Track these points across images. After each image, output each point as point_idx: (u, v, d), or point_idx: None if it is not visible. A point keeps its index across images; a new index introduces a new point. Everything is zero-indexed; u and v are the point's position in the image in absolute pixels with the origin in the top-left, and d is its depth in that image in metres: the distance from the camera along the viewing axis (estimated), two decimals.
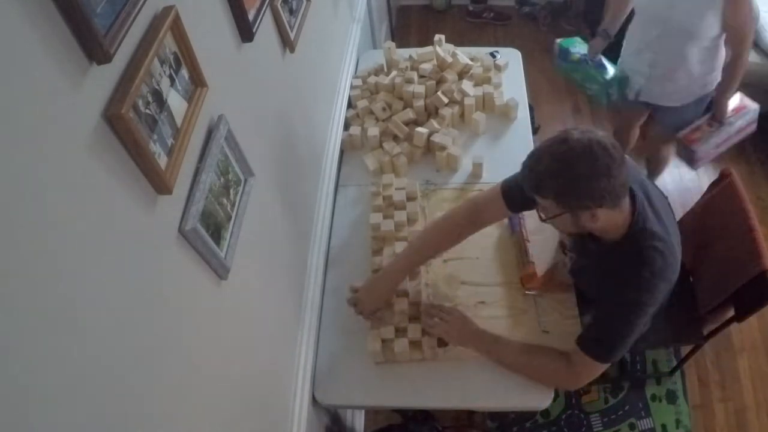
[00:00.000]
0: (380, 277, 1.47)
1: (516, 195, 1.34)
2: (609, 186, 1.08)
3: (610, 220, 1.17)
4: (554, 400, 1.43)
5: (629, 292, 1.21)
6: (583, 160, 1.07)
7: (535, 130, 2.11)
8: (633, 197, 1.20)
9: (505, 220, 1.62)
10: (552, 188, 1.12)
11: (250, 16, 1.03)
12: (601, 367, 1.27)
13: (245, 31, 1.03)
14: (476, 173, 1.79)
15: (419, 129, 1.82)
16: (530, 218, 1.60)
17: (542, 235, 1.59)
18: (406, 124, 1.86)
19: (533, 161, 1.13)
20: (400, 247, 1.54)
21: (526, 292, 1.51)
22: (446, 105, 1.91)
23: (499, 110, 1.95)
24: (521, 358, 1.37)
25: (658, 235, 1.20)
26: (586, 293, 1.48)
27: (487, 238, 1.63)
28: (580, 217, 1.15)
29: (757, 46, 2.74)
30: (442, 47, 2.02)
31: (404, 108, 1.92)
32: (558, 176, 1.09)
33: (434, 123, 1.86)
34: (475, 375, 1.39)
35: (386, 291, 1.46)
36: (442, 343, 1.43)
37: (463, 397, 1.38)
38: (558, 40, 2.11)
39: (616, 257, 1.24)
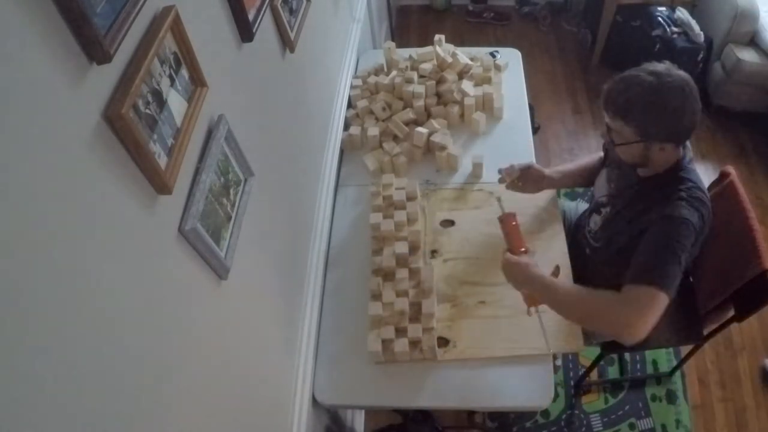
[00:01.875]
0: (545, 170, 1.57)
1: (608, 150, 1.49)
2: (689, 124, 1.17)
3: (670, 157, 1.26)
4: (554, 400, 1.43)
5: (671, 209, 1.23)
6: (675, 96, 1.15)
7: (535, 130, 2.11)
8: None
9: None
10: (639, 117, 1.19)
11: (250, 16, 1.03)
12: (662, 297, 1.15)
13: (245, 31, 1.03)
14: (476, 173, 1.79)
15: (419, 129, 1.82)
16: (530, 243, 1.54)
17: (545, 255, 1.56)
18: (406, 124, 1.86)
19: (623, 85, 1.19)
20: (400, 247, 1.55)
21: (530, 312, 1.39)
22: (445, 107, 1.91)
23: (498, 111, 1.95)
24: (573, 304, 1.26)
25: (695, 176, 1.29)
26: (611, 256, 1.43)
27: (488, 237, 1.63)
28: (651, 148, 1.22)
29: (757, 46, 2.75)
30: (442, 47, 2.02)
31: (404, 108, 1.92)
32: (647, 104, 1.16)
33: (434, 123, 1.86)
34: (475, 375, 1.39)
35: (543, 182, 1.57)
36: (442, 343, 1.43)
37: (463, 397, 1.38)
38: None
39: (654, 189, 1.30)
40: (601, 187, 1.55)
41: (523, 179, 1.57)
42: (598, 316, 1.23)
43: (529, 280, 1.31)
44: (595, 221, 1.55)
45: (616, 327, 1.19)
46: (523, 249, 1.37)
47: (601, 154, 1.63)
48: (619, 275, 1.26)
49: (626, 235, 1.36)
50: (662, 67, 1.18)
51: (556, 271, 1.52)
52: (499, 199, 1.45)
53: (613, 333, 1.22)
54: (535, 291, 1.31)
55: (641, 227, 1.28)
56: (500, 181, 1.58)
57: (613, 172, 1.48)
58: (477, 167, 1.78)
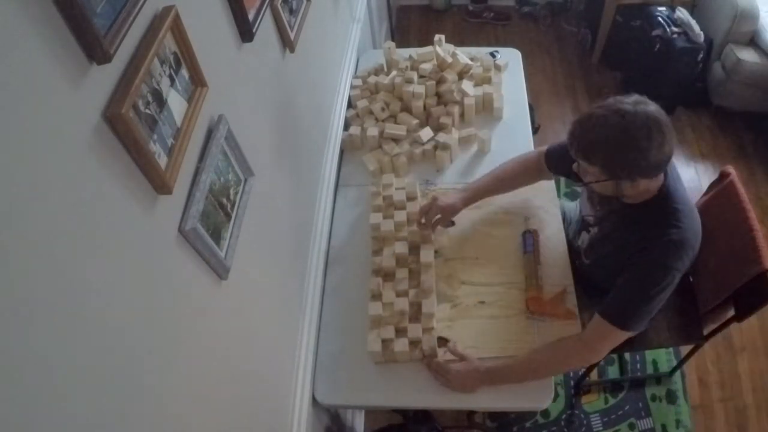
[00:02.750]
0: (458, 195, 1.54)
1: (556, 160, 1.50)
2: (657, 159, 1.14)
3: (647, 186, 1.23)
4: (554, 400, 1.43)
5: (655, 253, 1.22)
6: (637, 136, 1.12)
7: (535, 130, 2.11)
8: None
9: (519, 237, 1.60)
10: (602, 158, 1.17)
11: (250, 16, 1.03)
12: (622, 336, 1.25)
13: (245, 31, 1.03)
14: (482, 149, 1.84)
15: (421, 131, 1.83)
16: (544, 242, 1.58)
17: (553, 258, 1.57)
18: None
19: (586, 126, 1.17)
20: (400, 247, 1.55)
21: (530, 316, 1.45)
22: (445, 107, 1.91)
23: (498, 111, 1.95)
24: (530, 368, 1.33)
25: (684, 200, 1.26)
26: (602, 274, 1.44)
27: (488, 238, 1.63)
28: (621, 185, 1.20)
29: (757, 46, 2.75)
30: (442, 47, 2.02)
31: (402, 109, 1.92)
32: (611, 148, 1.14)
33: (438, 120, 1.87)
34: None
35: (460, 205, 1.53)
36: (442, 343, 1.43)
37: (463, 397, 1.38)
38: None
39: (641, 217, 1.28)
40: (584, 205, 1.53)
41: (436, 215, 1.53)
42: (559, 365, 1.37)
43: (479, 379, 1.33)
44: (583, 239, 1.54)
45: (577, 364, 1.44)
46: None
47: (532, 155, 1.59)
48: (608, 288, 1.32)
49: (614, 260, 1.34)
50: (629, 102, 1.14)
51: (562, 295, 1.49)
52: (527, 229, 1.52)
53: (573, 368, 1.45)
54: (490, 383, 1.34)
55: (631, 255, 1.27)
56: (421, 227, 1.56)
57: (594, 193, 1.44)
58: (484, 144, 1.82)
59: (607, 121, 1.13)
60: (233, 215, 0.96)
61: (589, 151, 1.18)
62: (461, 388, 1.35)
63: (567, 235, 1.65)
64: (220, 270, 0.90)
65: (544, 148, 1.55)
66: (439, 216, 1.53)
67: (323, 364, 1.44)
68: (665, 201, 1.25)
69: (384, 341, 1.39)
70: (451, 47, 2.04)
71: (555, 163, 1.52)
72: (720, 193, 1.65)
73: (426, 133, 1.84)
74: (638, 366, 2.17)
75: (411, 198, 1.69)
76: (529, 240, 1.57)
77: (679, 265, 1.23)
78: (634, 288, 1.25)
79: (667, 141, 1.13)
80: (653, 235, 1.24)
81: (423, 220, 1.55)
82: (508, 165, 1.60)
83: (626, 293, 1.26)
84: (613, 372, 2.16)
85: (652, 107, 1.15)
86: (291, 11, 1.32)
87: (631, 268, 1.26)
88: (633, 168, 1.16)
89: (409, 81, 1.91)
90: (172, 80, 0.76)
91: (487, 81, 2.01)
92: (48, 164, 0.53)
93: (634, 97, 1.17)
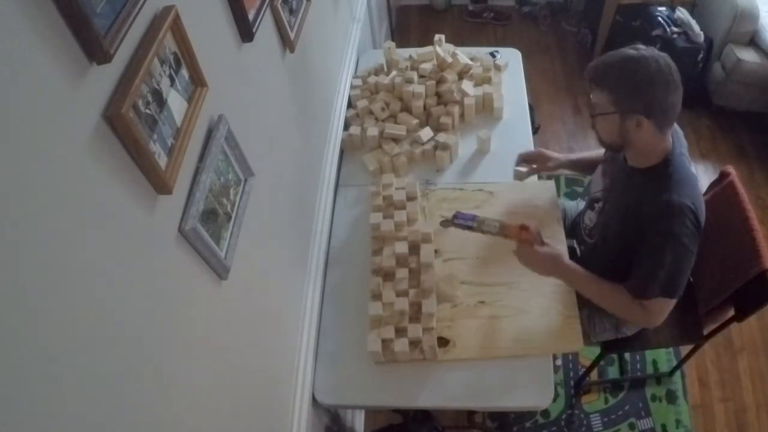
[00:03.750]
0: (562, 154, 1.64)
1: None
2: (664, 99, 1.18)
3: (650, 140, 1.25)
4: (554, 400, 1.43)
5: (659, 225, 1.24)
6: (648, 66, 1.17)
7: (535, 130, 2.11)
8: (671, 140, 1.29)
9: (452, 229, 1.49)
10: (611, 81, 1.22)
11: (250, 16, 1.03)
12: (672, 303, 1.31)
13: (245, 31, 1.03)
14: (483, 149, 1.85)
15: (421, 131, 1.83)
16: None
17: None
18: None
19: (604, 56, 1.25)
20: (400, 247, 1.54)
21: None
22: (445, 107, 1.91)
23: (498, 111, 1.95)
24: (600, 294, 1.38)
25: (685, 171, 1.27)
26: (604, 248, 1.47)
27: (488, 238, 1.62)
28: (626, 122, 1.22)
29: (757, 46, 2.75)
30: (442, 47, 2.02)
31: (402, 109, 1.92)
32: (621, 71, 1.20)
33: (438, 120, 1.87)
34: (475, 375, 1.39)
35: (561, 161, 1.65)
36: (442, 343, 1.43)
37: (463, 397, 1.38)
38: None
39: (643, 182, 1.30)
40: (597, 182, 1.55)
41: (533, 161, 1.65)
42: (620, 310, 1.39)
43: (548, 264, 1.38)
44: (590, 217, 1.56)
45: (634, 322, 1.46)
46: (524, 229, 1.39)
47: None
48: (612, 268, 1.36)
49: (618, 221, 1.37)
50: (647, 47, 1.21)
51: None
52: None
53: (632, 323, 1.48)
54: (558, 275, 1.40)
55: (635, 220, 1.29)
56: (517, 177, 1.66)
57: (608, 166, 1.49)
58: (484, 143, 1.83)
59: (623, 52, 1.21)
60: (233, 215, 0.96)
61: (602, 76, 1.24)
62: (533, 264, 1.38)
63: (567, 232, 1.65)
64: (220, 270, 0.90)
65: None
66: (532, 166, 1.65)
67: (323, 365, 1.44)
68: (667, 169, 1.27)
69: (384, 341, 1.39)
70: (451, 47, 2.04)
71: None
72: (720, 193, 1.65)
73: (426, 132, 1.84)
74: (638, 366, 2.17)
75: (411, 198, 1.69)
76: (464, 217, 1.44)
77: (682, 230, 1.23)
78: (651, 262, 1.27)
79: (676, 87, 1.18)
80: (651, 199, 1.26)
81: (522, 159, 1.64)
82: (593, 153, 1.68)
83: (645, 268, 1.29)
84: (613, 372, 2.16)
85: (668, 58, 1.20)
86: (291, 11, 1.32)
87: (647, 246, 1.28)
88: (638, 99, 1.19)
89: (409, 81, 1.91)
90: (172, 80, 0.76)
91: (487, 81, 2.01)
92: (48, 164, 0.53)
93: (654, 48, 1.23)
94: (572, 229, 1.74)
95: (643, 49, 1.20)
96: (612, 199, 1.45)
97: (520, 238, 1.38)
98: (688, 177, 1.28)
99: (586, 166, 1.69)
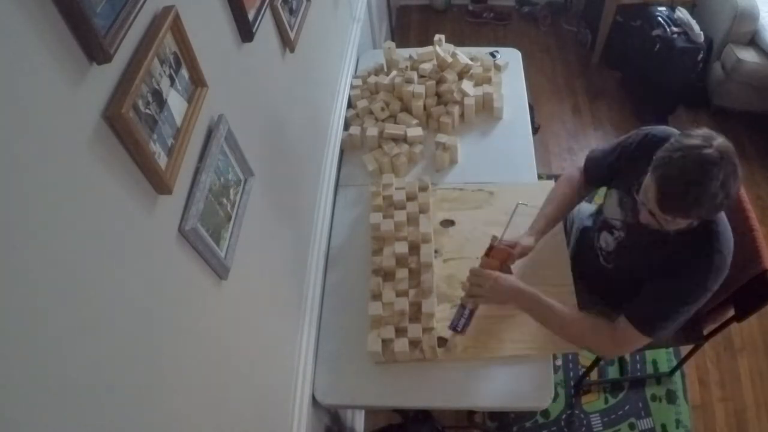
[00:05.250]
0: (527, 233, 1.48)
1: (595, 172, 1.48)
2: (726, 204, 1.07)
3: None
4: (554, 400, 1.43)
5: (697, 277, 1.20)
6: (727, 183, 1.03)
7: (535, 130, 2.11)
8: None
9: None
10: (692, 215, 1.10)
11: (250, 16, 1.03)
12: (645, 341, 1.27)
13: (245, 31, 1.03)
14: (452, 159, 1.83)
15: (408, 129, 1.83)
16: (544, 243, 1.53)
17: (553, 259, 1.55)
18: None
19: (677, 186, 1.05)
20: (400, 247, 1.54)
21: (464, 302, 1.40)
22: (445, 106, 1.92)
23: (498, 111, 1.95)
24: (560, 323, 1.34)
25: (722, 219, 1.21)
26: (623, 280, 1.40)
27: (488, 238, 1.62)
28: (681, 223, 1.14)
29: (757, 46, 2.75)
30: (442, 47, 2.02)
31: (402, 109, 1.92)
32: (710, 202, 1.05)
33: (438, 120, 1.87)
34: (475, 375, 1.39)
35: (533, 244, 1.47)
36: (442, 343, 1.43)
37: (463, 397, 1.38)
38: None
39: (681, 239, 1.20)
40: (613, 208, 1.45)
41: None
42: (582, 342, 1.37)
43: (514, 291, 1.36)
44: (606, 241, 1.48)
45: (596, 351, 1.40)
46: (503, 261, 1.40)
47: (575, 173, 1.55)
48: (623, 292, 1.31)
49: (641, 271, 1.30)
50: (714, 148, 1.03)
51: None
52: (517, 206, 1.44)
53: (589, 350, 1.37)
54: (523, 305, 1.37)
55: (661, 268, 1.24)
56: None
57: (627, 199, 1.38)
58: (450, 152, 1.82)
59: (695, 178, 1.03)
60: (233, 215, 0.96)
61: (683, 212, 1.10)
62: (492, 295, 1.37)
63: (569, 236, 1.64)
64: (220, 270, 0.90)
65: (580, 165, 1.54)
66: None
67: (323, 365, 1.44)
68: (710, 225, 1.19)
69: (384, 341, 1.39)
70: (451, 47, 2.04)
71: (595, 178, 1.52)
72: None
73: (414, 131, 1.84)
74: (638, 366, 2.17)
75: (411, 198, 1.69)
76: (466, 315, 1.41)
77: (715, 286, 1.21)
78: (669, 302, 1.23)
79: (738, 180, 1.06)
80: (691, 258, 1.20)
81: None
82: (559, 190, 1.55)
83: (659, 304, 1.24)
84: (613, 372, 2.16)
85: (722, 140, 1.06)
86: (291, 11, 1.32)
87: (667, 280, 1.23)
88: (717, 208, 1.10)
89: (409, 81, 1.91)
90: (172, 80, 0.76)
91: (487, 81, 2.01)
92: (48, 164, 0.53)
93: (703, 132, 1.07)
94: (581, 235, 1.69)
95: (713, 157, 1.01)
96: (636, 244, 1.37)
97: (501, 268, 1.40)
98: (727, 229, 1.22)
99: (559, 217, 1.56)
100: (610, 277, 1.52)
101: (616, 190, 1.44)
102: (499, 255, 1.42)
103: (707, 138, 1.05)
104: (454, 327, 1.40)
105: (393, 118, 1.93)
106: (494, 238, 1.44)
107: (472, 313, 1.40)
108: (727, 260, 1.20)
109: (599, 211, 1.57)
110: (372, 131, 1.84)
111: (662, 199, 1.08)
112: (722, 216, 1.22)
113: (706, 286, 1.20)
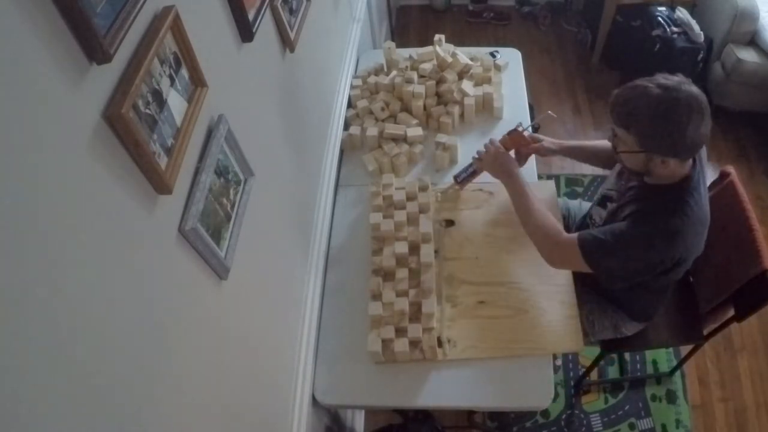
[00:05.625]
0: (553, 141, 1.64)
1: None
2: (692, 139, 1.15)
3: (674, 170, 1.24)
4: (554, 400, 1.43)
5: (650, 225, 1.23)
6: (680, 113, 1.13)
7: (535, 130, 2.11)
8: (694, 160, 1.26)
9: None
10: (641, 129, 1.18)
11: (250, 16, 1.03)
12: (580, 263, 1.29)
13: (245, 31, 1.03)
14: (451, 158, 1.85)
15: (408, 129, 1.83)
16: (520, 243, 1.59)
17: (532, 254, 1.53)
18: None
19: (629, 95, 1.17)
20: (400, 247, 1.54)
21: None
22: (445, 106, 1.91)
23: (498, 110, 1.95)
24: (525, 219, 1.43)
25: (699, 197, 1.25)
26: None
27: (487, 238, 1.63)
28: (653, 160, 1.21)
29: (757, 46, 2.75)
30: (442, 47, 2.02)
31: (402, 109, 1.92)
32: (652, 120, 1.15)
33: (438, 120, 1.86)
34: (475, 375, 1.39)
35: (553, 150, 1.65)
36: (442, 343, 1.43)
37: (463, 397, 1.38)
38: None
39: (655, 199, 1.27)
40: (612, 180, 1.53)
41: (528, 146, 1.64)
42: (534, 236, 1.42)
43: (507, 172, 1.48)
44: (600, 215, 1.54)
45: (539, 250, 1.40)
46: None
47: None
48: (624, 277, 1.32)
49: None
50: (674, 80, 1.15)
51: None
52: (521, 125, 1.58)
53: (536, 248, 1.41)
54: (509, 186, 1.48)
55: (631, 215, 1.29)
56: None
57: (625, 170, 1.46)
58: (450, 151, 1.84)
59: (650, 92, 1.15)
60: (233, 215, 0.96)
61: (629, 118, 1.19)
62: (490, 164, 1.52)
63: (569, 230, 1.64)
64: (220, 270, 0.90)
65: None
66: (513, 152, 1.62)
67: (323, 365, 1.44)
68: (681, 191, 1.25)
69: (384, 341, 1.39)
70: (451, 47, 2.04)
71: None
72: (720, 193, 1.65)
73: (414, 131, 1.84)
74: (638, 366, 2.17)
75: (411, 198, 1.69)
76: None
77: (663, 249, 1.23)
78: (616, 237, 1.26)
79: (705, 123, 1.16)
80: (655, 212, 1.25)
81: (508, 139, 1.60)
82: (598, 142, 1.66)
83: (607, 236, 1.27)
84: (613, 372, 2.16)
85: (695, 88, 1.15)
86: (291, 11, 1.32)
87: (625, 223, 1.27)
88: (668, 144, 1.17)
89: (409, 81, 1.91)
90: (172, 80, 0.76)
91: (487, 81, 2.01)
92: (48, 164, 0.53)
93: (680, 77, 1.18)
94: (581, 227, 1.72)
95: (673, 89, 1.14)
96: (622, 207, 1.41)
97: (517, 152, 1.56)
98: (701, 207, 1.26)
99: (585, 156, 1.68)
100: None
101: (617, 158, 1.49)
102: (517, 139, 1.57)
103: (681, 82, 1.15)
104: (455, 176, 1.65)
105: (393, 118, 1.93)
106: (519, 124, 1.58)
107: (474, 173, 1.62)
108: (682, 228, 1.22)
109: (586, 192, 1.67)
110: (372, 131, 1.84)
111: (610, 102, 1.21)
112: (700, 195, 1.27)
113: (654, 241, 1.22)
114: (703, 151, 1.34)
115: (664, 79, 1.16)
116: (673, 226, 1.22)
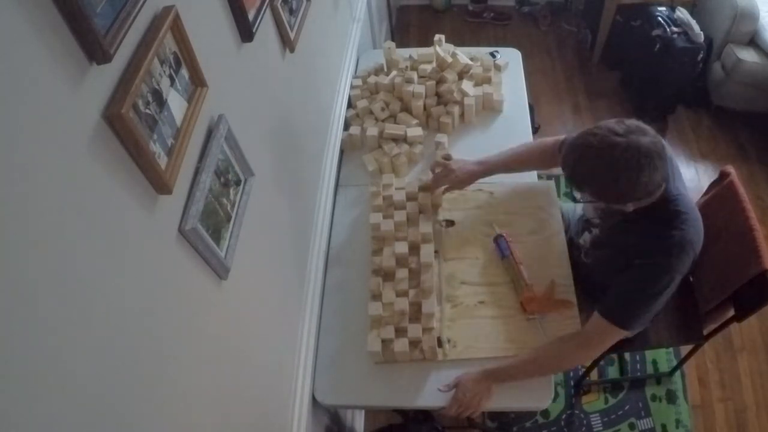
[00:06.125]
0: (475, 165, 1.57)
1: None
2: (647, 189, 1.15)
3: (640, 205, 1.24)
4: (554, 400, 1.43)
5: (658, 256, 1.23)
6: (627, 170, 1.11)
7: (535, 130, 2.11)
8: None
9: (491, 244, 1.60)
10: (592, 191, 1.20)
11: (250, 16, 1.03)
12: (620, 334, 1.26)
13: (245, 31, 1.03)
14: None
15: (408, 129, 1.83)
16: (520, 243, 1.58)
17: (553, 259, 1.57)
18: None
19: (577, 161, 1.18)
20: (400, 247, 1.54)
21: (528, 317, 1.45)
22: (445, 107, 1.92)
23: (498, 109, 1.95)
24: (535, 365, 1.35)
25: (686, 202, 1.26)
26: (604, 273, 1.42)
27: (488, 238, 1.63)
28: (613, 207, 1.24)
29: (757, 46, 2.75)
30: (442, 47, 2.01)
31: (402, 109, 1.92)
32: (599, 182, 1.17)
33: (438, 120, 1.86)
34: None
35: (476, 176, 1.57)
36: (442, 343, 1.43)
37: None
38: None
39: (642, 221, 1.28)
40: (589, 209, 1.53)
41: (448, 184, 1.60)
42: (559, 365, 1.38)
43: (486, 380, 1.34)
44: (585, 239, 1.54)
45: (575, 363, 1.38)
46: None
47: (549, 144, 1.54)
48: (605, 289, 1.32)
49: (614, 262, 1.34)
50: (622, 133, 1.12)
51: (552, 286, 1.50)
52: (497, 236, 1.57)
53: (571, 368, 1.41)
54: (497, 382, 1.35)
55: (630, 257, 1.27)
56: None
57: None
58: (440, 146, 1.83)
59: (597, 154, 1.13)
60: (233, 215, 0.96)
61: (580, 184, 1.22)
62: (476, 399, 1.33)
63: (568, 235, 1.64)
64: (220, 270, 0.90)
65: (562, 137, 1.54)
66: (445, 186, 1.60)
67: (323, 364, 1.44)
68: (667, 204, 1.25)
69: (384, 341, 1.39)
70: (451, 47, 2.04)
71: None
72: (720, 193, 1.65)
73: (414, 130, 1.84)
74: (638, 366, 2.17)
75: (411, 198, 1.69)
76: (503, 244, 1.57)
77: (680, 266, 1.23)
78: (635, 288, 1.25)
79: (658, 170, 1.13)
80: (654, 238, 1.24)
81: (432, 183, 1.62)
82: (526, 146, 1.62)
83: (627, 293, 1.26)
84: (613, 372, 2.16)
85: (646, 139, 1.12)
86: (291, 11, 1.32)
87: (633, 269, 1.26)
88: (622, 197, 1.19)
89: (409, 81, 1.91)
90: (172, 80, 0.76)
91: (487, 81, 2.01)
92: (48, 164, 0.53)
93: (629, 125, 1.14)
94: (569, 242, 1.72)
95: (619, 144, 1.10)
96: (608, 236, 1.42)
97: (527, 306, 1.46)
98: (690, 208, 1.26)
99: (518, 164, 1.60)
100: (588, 272, 1.55)
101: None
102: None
103: (629, 130, 1.12)
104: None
105: (393, 118, 1.93)
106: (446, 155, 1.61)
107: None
108: (689, 239, 1.23)
109: (583, 211, 1.64)
110: (372, 131, 1.84)
111: (562, 166, 1.22)
112: (685, 198, 1.27)
113: (671, 266, 1.22)
114: (672, 159, 1.30)
115: (611, 135, 1.12)
116: (679, 239, 1.22)
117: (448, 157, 1.61)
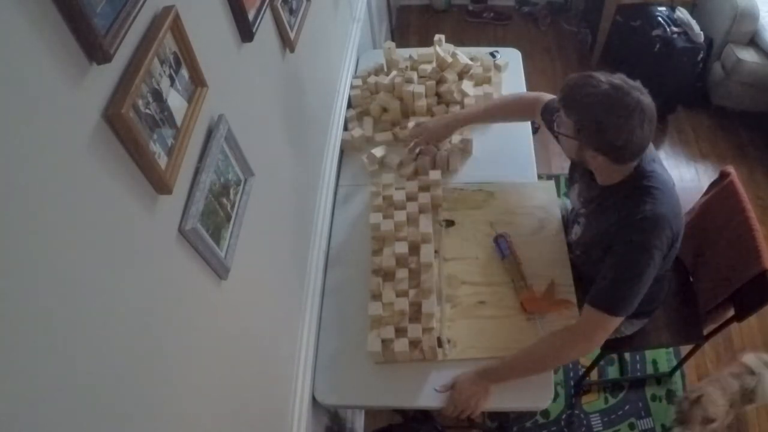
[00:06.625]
0: (449, 116, 1.66)
1: (550, 112, 1.46)
2: (625, 142, 1.16)
3: (608, 168, 1.26)
4: (554, 400, 1.43)
5: (633, 233, 1.23)
6: (618, 112, 1.14)
7: (535, 130, 2.11)
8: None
9: (492, 243, 1.60)
10: (580, 116, 1.21)
11: (250, 16, 1.03)
12: (614, 321, 1.25)
13: (245, 31, 1.03)
14: (466, 149, 1.84)
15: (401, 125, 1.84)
16: (520, 243, 1.59)
17: (553, 258, 1.57)
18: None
19: (579, 83, 1.20)
20: (400, 247, 1.55)
21: (528, 317, 1.45)
22: (446, 107, 1.91)
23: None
24: (530, 361, 1.34)
25: (659, 179, 1.26)
26: (589, 263, 1.44)
27: (488, 238, 1.63)
28: (584, 151, 1.24)
29: (757, 46, 2.75)
30: (442, 47, 2.02)
31: (402, 109, 1.92)
32: (590, 110, 1.17)
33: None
34: None
35: (450, 128, 1.67)
36: (442, 343, 1.43)
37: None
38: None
39: (616, 198, 1.29)
40: (575, 201, 1.54)
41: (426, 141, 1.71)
42: (556, 358, 1.35)
43: (482, 379, 1.34)
44: (576, 232, 1.54)
45: (573, 356, 1.34)
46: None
47: (537, 96, 1.60)
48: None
49: (598, 248, 1.34)
50: (629, 84, 1.16)
51: (552, 287, 1.50)
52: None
53: (569, 361, 1.40)
54: (493, 380, 1.35)
55: (611, 238, 1.28)
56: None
57: (583, 185, 1.46)
58: (466, 143, 1.83)
59: (599, 87, 1.16)
60: (233, 215, 0.96)
61: (571, 104, 1.22)
62: (473, 400, 1.33)
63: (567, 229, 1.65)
64: (220, 270, 0.90)
65: (546, 96, 1.58)
66: (423, 146, 1.70)
67: (323, 364, 1.44)
68: (638, 180, 1.26)
69: (384, 341, 1.39)
70: (451, 47, 2.04)
71: (549, 115, 1.50)
72: (720, 193, 1.65)
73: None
74: (638, 366, 2.17)
75: (411, 198, 1.69)
76: (503, 244, 1.57)
77: (657, 242, 1.22)
78: (617, 272, 1.25)
79: (644, 133, 1.15)
80: (627, 215, 1.25)
81: (411, 145, 1.71)
82: (504, 97, 1.67)
83: (611, 279, 1.26)
84: (613, 372, 2.16)
85: (647, 99, 1.16)
86: (291, 11, 1.32)
87: (612, 254, 1.27)
88: (598, 141, 1.19)
89: (409, 81, 1.91)
90: (172, 80, 0.76)
91: (487, 81, 2.01)
92: (48, 164, 0.53)
93: (637, 84, 1.18)
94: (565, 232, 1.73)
95: (624, 90, 1.14)
96: (590, 222, 1.42)
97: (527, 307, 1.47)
98: (664, 184, 1.26)
99: (490, 117, 1.72)
100: (580, 266, 1.55)
101: (576, 184, 1.51)
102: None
103: (634, 87, 1.16)
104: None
105: (393, 118, 1.93)
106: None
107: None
108: (662, 212, 1.22)
109: (572, 207, 1.65)
110: (372, 131, 1.84)
111: (564, 83, 1.24)
112: (660, 177, 1.27)
113: (647, 243, 1.22)
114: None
115: (620, 80, 1.17)
116: (650, 215, 1.22)
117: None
